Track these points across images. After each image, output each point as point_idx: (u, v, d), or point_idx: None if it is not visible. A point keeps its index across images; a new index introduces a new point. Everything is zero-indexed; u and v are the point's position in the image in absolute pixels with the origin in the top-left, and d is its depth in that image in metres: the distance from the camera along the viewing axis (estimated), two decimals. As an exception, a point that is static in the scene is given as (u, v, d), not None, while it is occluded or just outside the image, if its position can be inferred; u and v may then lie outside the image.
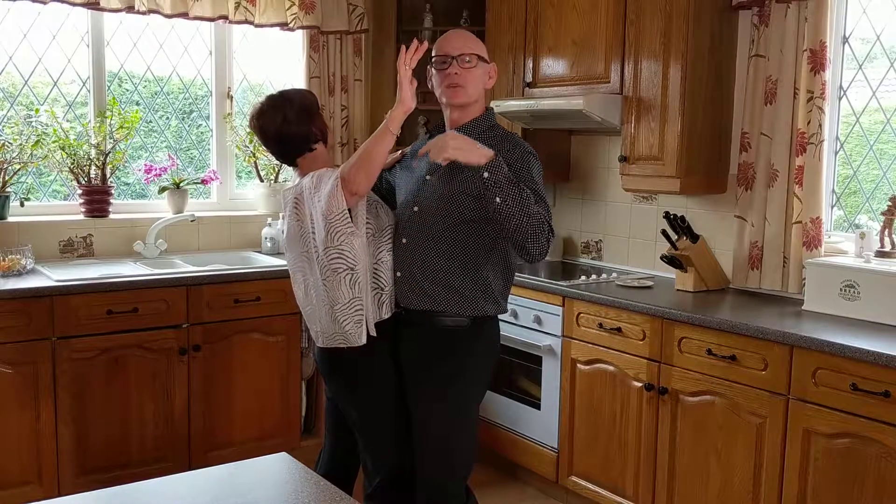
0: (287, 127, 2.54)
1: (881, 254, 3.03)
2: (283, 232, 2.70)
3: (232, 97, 4.44)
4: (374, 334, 2.50)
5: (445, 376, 2.53)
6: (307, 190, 2.49)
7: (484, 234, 2.48)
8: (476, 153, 2.30)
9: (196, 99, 4.46)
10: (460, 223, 2.48)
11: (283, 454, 2.00)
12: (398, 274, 2.55)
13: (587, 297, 3.47)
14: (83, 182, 3.95)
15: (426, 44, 2.48)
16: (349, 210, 2.42)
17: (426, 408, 2.56)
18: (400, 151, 2.78)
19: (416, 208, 2.55)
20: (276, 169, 4.48)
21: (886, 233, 3.05)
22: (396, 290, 2.55)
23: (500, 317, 2.65)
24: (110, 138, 3.98)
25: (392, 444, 2.61)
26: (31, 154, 3.82)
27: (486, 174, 2.29)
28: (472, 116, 2.55)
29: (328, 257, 2.45)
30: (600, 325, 3.40)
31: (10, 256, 3.48)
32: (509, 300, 2.74)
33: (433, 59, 2.54)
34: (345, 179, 2.39)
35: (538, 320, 3.70)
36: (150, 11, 3.91)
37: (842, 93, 3.34)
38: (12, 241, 3.68)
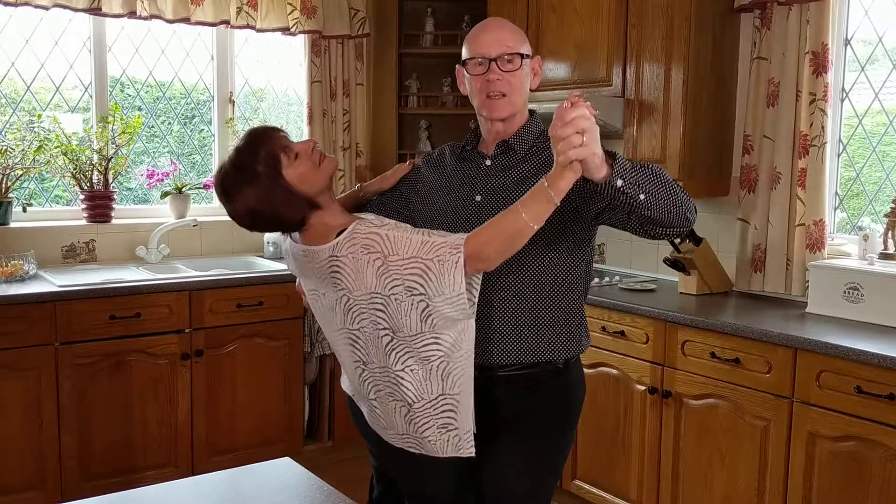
0: (259, 225, 1.98)
1: (885, 256, 3.02)
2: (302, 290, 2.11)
3: (234, 102, 4.44)
4: (473, 452, 1.90)
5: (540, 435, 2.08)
6: (358, 256, 1.82)
7: (571, 243, 2.02)
8: (597, 151, 1.66)
9: (198, 104, 4.46)
10: (543, 246, 1.97)
11: (287, 459, 2.00)
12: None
13: (590, 300, 3.45)
14: (85, 187, 3.96)
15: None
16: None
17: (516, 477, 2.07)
18: (409, 162, 2.27)
19: None
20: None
21: (890, 235, 3.04)
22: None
23: None
24: (112, 143, 3.99)
25: None
26: (34, 159, 3.82)
27: (619, 182, 1.70)
28: (518, 126, 2.06)
29: (416, 343, 1.83)
30: (603, 329, 3.40)
31: (12, 262, 3.48)
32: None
33: (466, 60, 2.03)
34: (478, 258, 1.77)
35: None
36: (152, 17, 3.91)
37: (844, 95, 3.34)
38: (15, 247, 3.68)
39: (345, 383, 2.15)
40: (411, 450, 1.93)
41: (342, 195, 2.22)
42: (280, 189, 1.86)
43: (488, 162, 2.06)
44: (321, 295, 1.94)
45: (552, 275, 2.00)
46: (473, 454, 1.89)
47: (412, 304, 1.79)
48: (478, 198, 2.03)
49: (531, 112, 2.11)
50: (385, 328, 1.84)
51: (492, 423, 2.00)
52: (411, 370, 1.84)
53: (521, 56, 1.98)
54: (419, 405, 1.86)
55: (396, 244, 1.79)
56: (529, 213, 1.73)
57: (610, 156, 1.71)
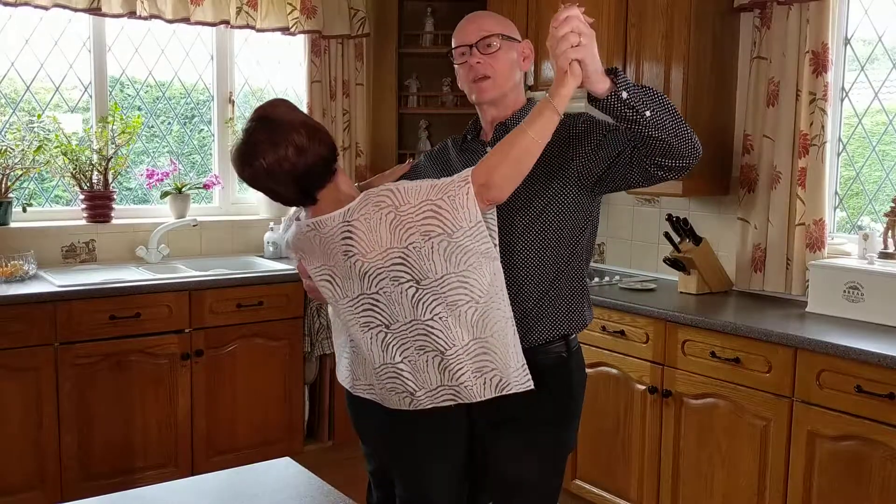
0: (304, 157, 1.87)
1: (884, 255, 3.02)
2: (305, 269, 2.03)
3: (234, 102, 4.44)
4: (523, 387, 1.89)
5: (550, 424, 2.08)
6: (370, 215, 1.82)
7: (577, 202, 2.00)
8: (595, 55, 1.71)
9: (198, 104, 4.46)
10: (546, 213, 1.98)
11: (287, 459, 2.00)
12: None
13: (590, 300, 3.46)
14: (85, 187, 3.95)
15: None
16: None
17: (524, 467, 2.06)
18: (408, 162, 2.31)
19: None
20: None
21: (890, 234, 3.04)
22: None
23: None
24: (112, 143, 3.98)
25: None
26: (34, 160, 3.82)
27: (624, 94, 1.72)
28: (513, 110, 2.07)
29: (443, 287, 1.81)
30: (603, 328, 3.40)
31: (12, 262, 3.48)
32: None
33: (451, 53, 2.08)
34: (487, 185, 1.77)
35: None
36: (152, 17, 3.91)
37: (844, 94, 3.34)
38: (15, 247, 3.68)
39: (342, 375, 2.12)
40: (446, 403, 1.89)
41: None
42: (316, 124, 1.94)
43: (489, 148, 2.04)
44: (330, 268, 1.91)
45: (563, 250, 2.01)
46: (527, 387, 1.88)
47: (432, 248, 1.78)
48: None
49: (529, 100, 2.11)
50: (408, 280, 1.82)
51: (497, 413, 1.99)
52: (440, 318, 1.82)
53: (502, 37, 2.01)
54: (451, 351, 1.83)
55: (407, 194, 1.80)
56: (534, 129, 1.76)
57: (611, 71, 1.73)
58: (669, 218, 3.56)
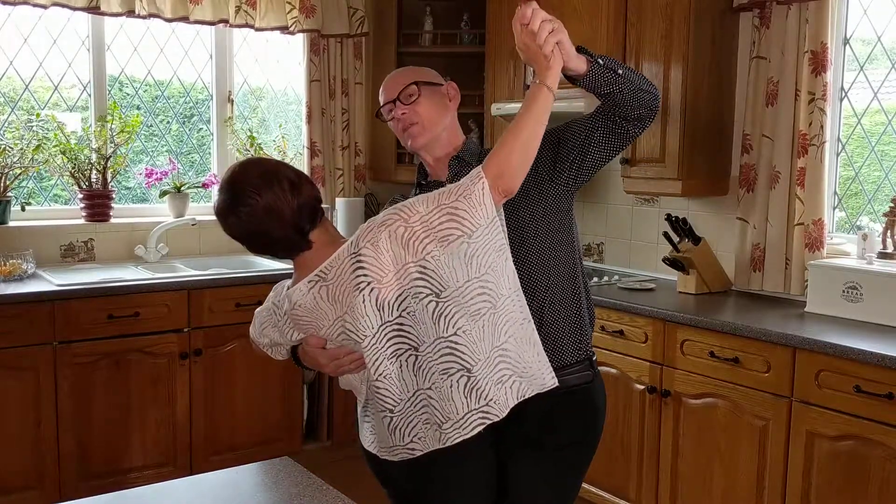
0: (298, 192, 1.83)
1: (883, 255, 3.02)
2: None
3: (233, 101, 4.44)
4: (546, 387, 1.84)
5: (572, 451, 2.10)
6: (378, 236, 1.75)
7: (570, 238, 2.06)
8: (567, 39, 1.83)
9: (197, 103, 4.46)
10: (545, 239, 2.01)
11: (286, 458, 2.00)
12: None
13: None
14: (84, 186, 3.95)
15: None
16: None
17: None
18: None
19: None
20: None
21: (888, 234, 3.05)
22: None
23: None
24: (111, 142, 3.98)
25: None
26: (32, 158, 3.82)
27: (601, 60, 1.88)
28: (454, 146, 2.10)
29: (465, 297, 1.74)
30: (602, 329, 3.40)
31: (11, 261, 3.48)
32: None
33: (381, 113, 2.15)
34: (501, 174, 1.74)
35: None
36: (151, 15, 3.91)
37: (843, 94, 3.34)
38: (13, 246, 3.67)
39: (367, 441, 1.99)
40: (479, 427, 1.79)
41: None
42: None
43: (445, 181, 2.06)
44: (342, 317, 1.82)
45: (556, 262, 2.02)
46: (552, 384, 1.84)
47: (451, 253, 1.72)
48: None
49: (468, 137, 2.16)
50: (428, 294, 1.74)
51: (516, 439, 1.99)
52: (463, 332, 1.74)
53: (419, 83, 2.07)
54: (478, 368, 1.76)
55: (414, 205, 1.75)
56: (534, 112, 1.78)
57: (579, 49, 1.89)
58: (668, 218, 3.56)
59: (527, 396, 1.82)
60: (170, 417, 3.61)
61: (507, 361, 1.79)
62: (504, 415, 1.79)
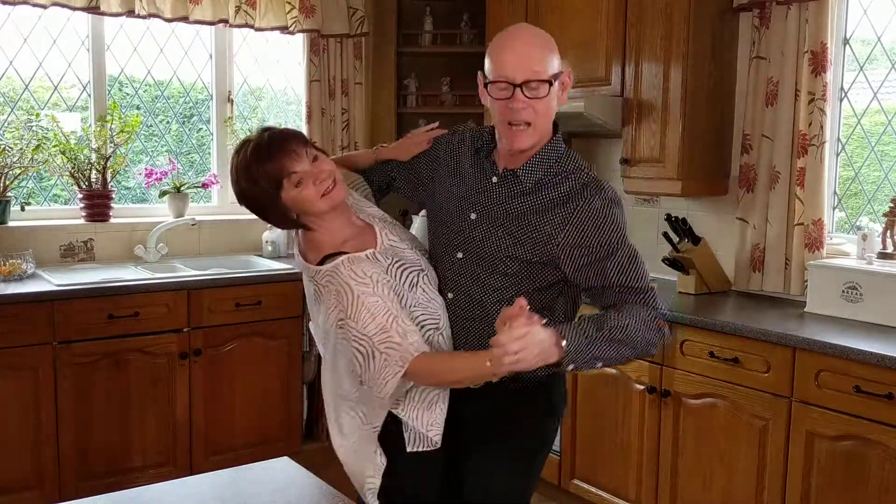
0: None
1: (883, 255, 3.03)
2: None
3: (232, 101, 4.44)
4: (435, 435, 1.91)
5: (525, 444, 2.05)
6: (329, 296, 1.87)
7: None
8: (542, 356, 1.67)
9: (196, 103, 4.46)
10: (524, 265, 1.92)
11: (285, 458, 2.00)
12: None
13: (588, 300, 3.46)
14: (84, 186, 3.95)
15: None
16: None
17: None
18: (427, 140, 2.11)
19: (459, 255, 1.95)
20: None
21: (888, 234, 3.05)
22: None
23: None
24: (111, 142, 3.98)
25: None
26: (32, 158, 3.82)
27: (570, 366, 1.75)
28: (535, 150, 1.90)
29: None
30: (602, 328, 3.39)
31: (10, 261, 3.48)
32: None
33: (489, 80, 1.84)
34: (414, 376, 1.81)
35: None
36: (151, 15, 3.91)
37: (843, 94, 3.34)
38: (13, 246, 3.67)
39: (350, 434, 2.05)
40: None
41: (358, 152, 2.19)
42: (273, 204, 1.93)
43: (494, 179, 1.95)
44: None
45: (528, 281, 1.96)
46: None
47: (346, 363, 1.88)
48: (473, 216, 1.94)
49: (555, 126, 1.95)
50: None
51: (471, 427, 1.98)
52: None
53: (549, 82, 1.80)
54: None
55: (359, 314, 1.80)
56: (468, 373, 1.81)
57: (562, 335, 1.71)
58: (668, 218, 3.56)
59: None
60: (169, 417, 3.61)
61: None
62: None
